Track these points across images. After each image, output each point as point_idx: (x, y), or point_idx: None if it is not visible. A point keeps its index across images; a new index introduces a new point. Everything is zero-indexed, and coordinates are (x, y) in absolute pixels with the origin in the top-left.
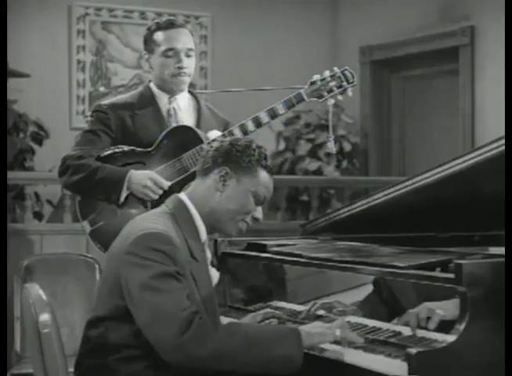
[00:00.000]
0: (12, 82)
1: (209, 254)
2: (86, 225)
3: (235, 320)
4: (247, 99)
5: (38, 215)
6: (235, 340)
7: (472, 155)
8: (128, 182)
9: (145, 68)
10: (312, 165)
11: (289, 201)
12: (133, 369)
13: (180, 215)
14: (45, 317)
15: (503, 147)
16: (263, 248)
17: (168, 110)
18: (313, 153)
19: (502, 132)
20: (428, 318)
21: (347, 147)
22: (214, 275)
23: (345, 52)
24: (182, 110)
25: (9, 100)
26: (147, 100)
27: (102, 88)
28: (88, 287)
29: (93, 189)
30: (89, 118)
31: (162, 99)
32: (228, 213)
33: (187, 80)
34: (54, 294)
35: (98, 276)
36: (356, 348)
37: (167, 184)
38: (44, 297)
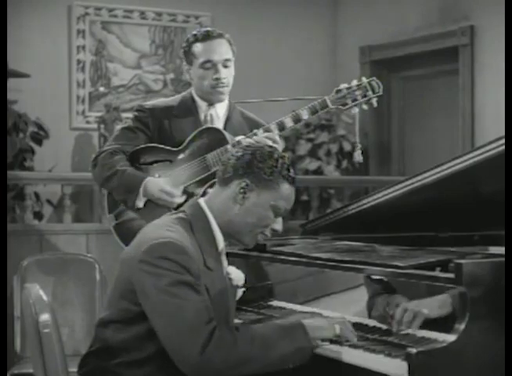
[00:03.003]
0: (12, 82)
1: (225, 264)
2: (111, 219)
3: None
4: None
5: (38, 215)
6: (252, 348)
7: (472, 155)
8: (143, 190)
9: (186, 79)
10: (312, 165)
11: None
12: (134, 374)
13: (197, 222)
14: (45, 317)
15: (503, 147)
16: (263, 248)
17: (205, 117)
18: (313, 153)
19: (502, 132)
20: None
21: (347, 147)
22: (238, 277)
23: (345, 52)
24: (220, 118)
25: (9, 100)
26: (187, 105)
27: (102, 88)
28: (88, 287)
29: (113, 191)
30: (130, 116)
31: (201, 106)
32: (246, 226)
33: (226, 90)
34: (54, 294)
35: (98, 276)
36: (356, 348)
37: (178, 191)
38: (44, 297)
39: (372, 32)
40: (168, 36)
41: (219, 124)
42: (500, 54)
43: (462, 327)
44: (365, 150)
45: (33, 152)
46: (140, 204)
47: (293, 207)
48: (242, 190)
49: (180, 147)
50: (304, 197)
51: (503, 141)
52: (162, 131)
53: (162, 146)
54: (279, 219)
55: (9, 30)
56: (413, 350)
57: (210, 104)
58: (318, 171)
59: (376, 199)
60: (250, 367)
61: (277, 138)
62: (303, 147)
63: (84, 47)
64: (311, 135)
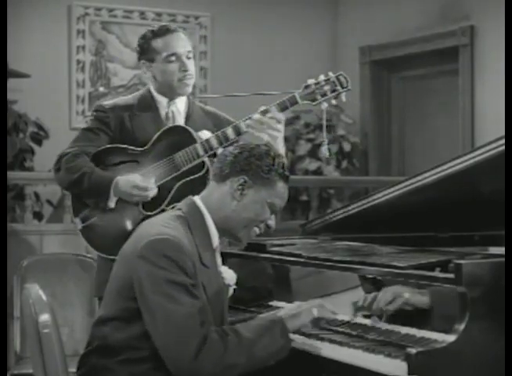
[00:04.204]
0: (12, 82)
1: (219, 261)
2: (78, 222)
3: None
4: (246, 99)
5: (38, 215)
6: (241, 354)
7: (472, 155)
8: (114, 189)
9: (145, 76)
10: (312, 165)
11: (289, 201)
12: (135, 371)
13: (193, 219)
14: (45, 317)
15: (503, 147)
16: (263, 248)
17: (167, 113)
18: (313, 153)
19: (502, 132)
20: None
21: (347, 147)
22: (230, 276)
23: (345, 52)
24: (181, 113)
25: (9, 100)
26: (147, 103)
27: (101, 88)
28: (88, 287)
29: (82, 193)
30: (90, 117)
31: (162, 102)
32: (242, 221)
33: (192, 82)
34: (54, 294)
35: None
36: (356, 348)
37: (151, 183)
38: (44, 297)
39: (372, 32)
40: None
41: (180, 119)
42: (500, 54)
43: (462, 327)
44: (365, 150)
45: (33, 152)
46: (112, 204)
47: (293, 207)
48: (240, 187)
49: (146, 147)
50: (304, 197)
51: (503, 141)
52: (123, 130)
53: (127, 146)
54: (272, 216)
55: (9, 30)
56: (413, 350)
57: (171, 100)
58: (318, 172)
59: (376, 199)
60: (236, 371)
61: (278, 115)
62: (303, 147)
63: (84, 47)
64: (311, 136)
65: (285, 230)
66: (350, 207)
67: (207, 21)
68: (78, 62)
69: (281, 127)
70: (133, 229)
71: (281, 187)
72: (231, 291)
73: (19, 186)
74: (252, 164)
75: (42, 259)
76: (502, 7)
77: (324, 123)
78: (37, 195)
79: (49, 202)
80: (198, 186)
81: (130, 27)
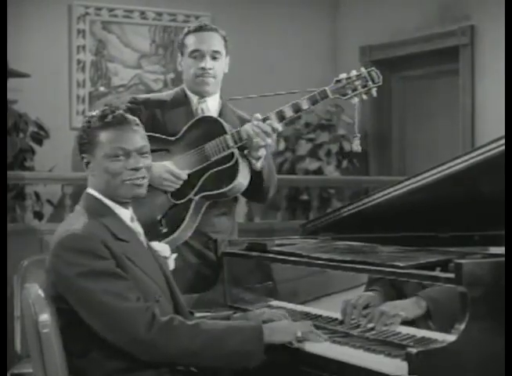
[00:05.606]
0: (12, 82)
1: (140, 230)
2: None
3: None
4: (255, 100)
5: (38, 215)
6: (196, 342)
7: (472, 155)
8: None
9: (179, 70)
10: (312, 165)
11: (289, 201)
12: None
13: (92, 206)
14: (44, 317)
15: (503, 147)
16: (263, 248)
17: (197, 109)
18: (313, 153)
19: (503, 132)
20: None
21: (348, 147)
22: (162, 248)
23: (345, 52)
24: (211, 112)
25: (9, 100)
26: (180, 99)
27: (102, 88)
28: None
29: None
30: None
31: (193, 99)
32: (109, 184)
33: (210, 81)
34: None
35: None
36: (356, 347)
37: (184, 174)
38: (44, 297)
39: (372, 32)
40: (168, 36)
41: None
42: (500, 54)
43: (462, 327)
44: (366, 150)
45: (33, 152)
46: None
47: (293, 207)
48: (85, 164)
49: (177, 136)
50: (305, 197)
51: (503, 141)
52: (155, 123)
53: (158, 135)
54: (139, 159)
55: (9, 30)
56: (413, 350)
57: (202, 97)
58: (318, 171)
59: (376, 199)
60: (196, 360)
61: (276, 125)
62: (303, 147)
63: (84, 47)
64: (312, 135)
65: (285, 230)
66: (350, 207)
67: (208, 21)
68: (79, 62)
69: (274, 137)
70: (162, 217)
71: (109, 134)
72: (171, 264)
73: (19, 186)
74: (80, 144)
75: (42, 259)
76: (502, 7)
77: (356, 117)
78: (37, 195)
79: (49, 202)
80: (226, 177)
81: (130, 27)
